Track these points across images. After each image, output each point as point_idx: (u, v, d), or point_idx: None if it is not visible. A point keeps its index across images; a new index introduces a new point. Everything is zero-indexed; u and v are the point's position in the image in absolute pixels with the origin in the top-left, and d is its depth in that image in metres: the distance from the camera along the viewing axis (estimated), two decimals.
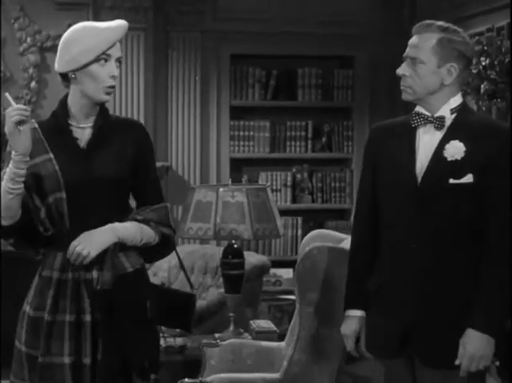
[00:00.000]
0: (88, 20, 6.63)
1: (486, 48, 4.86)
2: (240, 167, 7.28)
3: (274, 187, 7.03)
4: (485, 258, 2.94)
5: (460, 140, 3.04)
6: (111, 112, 3.40)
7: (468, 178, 3.04)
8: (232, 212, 4.61)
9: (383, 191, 3.25)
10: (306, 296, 3.66)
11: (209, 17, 7.13)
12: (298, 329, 3.75)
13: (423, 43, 3.11)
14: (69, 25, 6.79)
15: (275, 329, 4.61)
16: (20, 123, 2.97)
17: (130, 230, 3.25)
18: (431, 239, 3.09)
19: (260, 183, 6.64)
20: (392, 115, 6.55)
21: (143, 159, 3.34)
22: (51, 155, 3.16)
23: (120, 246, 3.24)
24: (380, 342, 3.30)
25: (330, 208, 7.06)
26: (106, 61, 3.20)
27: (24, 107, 3.03)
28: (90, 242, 3.12)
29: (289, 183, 7.06)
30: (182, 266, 3.55)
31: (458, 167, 3.07)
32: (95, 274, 3.21)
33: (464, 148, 3.03)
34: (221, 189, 4.61)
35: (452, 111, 3.09)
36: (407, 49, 3.18)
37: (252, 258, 5.52)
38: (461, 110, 3.13)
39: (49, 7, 6.86)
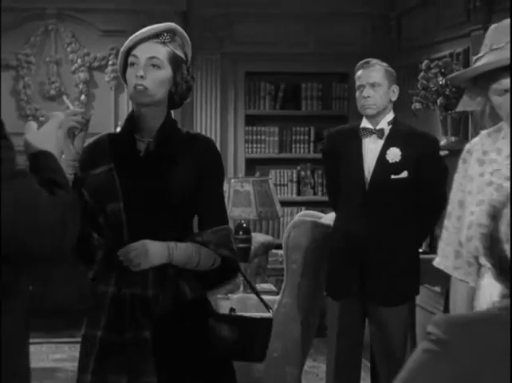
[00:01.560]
0: None
1: (443, 70, 5.82)
2: (253, 166, 7.82)
3: (282, 182, 7.59)
4: (421, 217, 4.04)
5: (397, 147, 4.03)
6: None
7: (404, 174, 4.06)
8: (241, 198, 5.57)
9: (341, 182, 4.26)
10: (291, 256, 4.64)
11: (227, 41, 7.71)
12: (285, 280, 4.73)
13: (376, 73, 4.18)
14: (112, 49, 7.68)
15: (275, 289, 5.58)
16: (75, 128, 2.79)
17: (185, 251, 2.93)
18: (376, 220, 4.09)
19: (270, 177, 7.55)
20: None
21: (206, 177, 3.01)
22: (112, 166, 2.96)
23: (180, 272, 2.94)
24: (339, 286, 4.27)
25: None
26: (135, 63, 2.97)
27: (81, 112, 2.84)
28: (146, 254, 2.84)
29: (294, 179, 7.61)
30: (252, 287, 3.34)
31: (397, 167, 4.06)
32: (151, 293, 2.90)
33: (400, 153, 4.04)
34: (232, 180, 5.65)
35: (388, 124, 4.17)
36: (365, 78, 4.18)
37: (260, 238, 6.41)
38: (394, 122, 4.23)
39: (95, 34, 7.56)
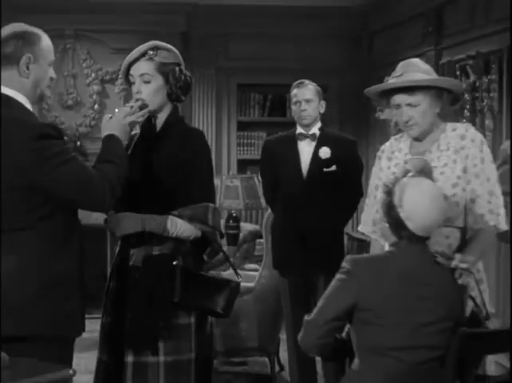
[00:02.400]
0: None
1: None
2: (245, 166, 8.39)
3: None
4: (346, 201, 4.82)
5: (327, 146, 4.86)
6: None
7: (333, 167, 4.84)
8: (231, 192, 6.41)
9: (280, 178, 4.92)
10: (268, 238, 5.37)
11: (222, 57, 8.32)
12: (265, 256, 5.53)
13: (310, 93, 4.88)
14: (121, 64, 8.16)
15: (259, 268, 6.38)
16: (134, 123, 3.27)
17: (159, 222, 3.31)
18: (313, 206, 4.77)
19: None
20: (356, 126, 7.98)
21: (193, 162, 3.39)
22: (137, 135, 3.47)
23: (158, 238, 3.34)
24: (285, 264, 4.89)
25: None
26: (133, 81, 3.43)
27: (142, 114, 3.31)
28: (118, 225, 3.36)
29: None
30: (227, 258, 3.64)
31: (327, 162, 4.85)
32: (131, 251, 3.41)
33: (330, 151, 4.85)
34: (224, 177, 6.56)
35: (319, 129, 4.95)
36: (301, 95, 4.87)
37: (248, 227, 7.23)
38: (322, 128, 4.97)
39: (107, 51, 8.12)
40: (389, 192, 3.10)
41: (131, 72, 3.41)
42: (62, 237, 3.05)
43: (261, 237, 7.08)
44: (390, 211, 3.07)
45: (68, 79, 8.07)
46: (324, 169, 4.88)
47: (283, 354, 5.81)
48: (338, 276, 3.03)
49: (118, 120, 3.22)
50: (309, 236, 4.85)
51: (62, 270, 3.04)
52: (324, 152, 4.90)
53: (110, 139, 3.21)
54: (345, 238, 5.73)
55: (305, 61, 8.30)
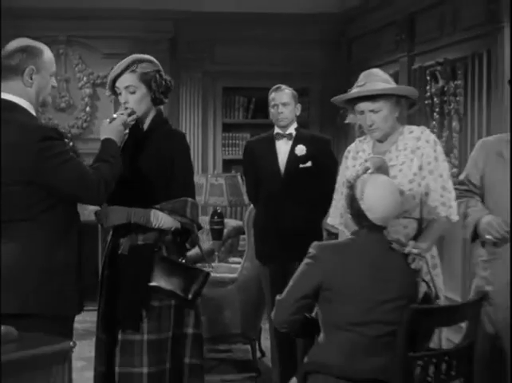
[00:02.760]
0: None
1: None
2: (230, 166, 8.59)
3: None
4: (321, 195, 4.94)
5: (303, 145, 5.18)
6: None
7: (309, 163, 5.16)
8: (216, 189, 6.70)
9: (261, 176, 5.23)
10: (250, 232, 5.72)
11: (208, 62, 8.54)
12: (247, 249, 5.88)
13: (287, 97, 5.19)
14: (112, 69, 8.14)
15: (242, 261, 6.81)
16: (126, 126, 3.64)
17: (142, 215, 3.67)
18: (291, 200, 5.07)
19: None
20: (336, 127, 8.29)
21: (175, 162, 3.74)
22: (126, 136, 3.74)
23: (142, 229, 3.69)
24: (266, 254, 5.22)
25: None
26: (120, 93, 3.80)
27: (133, 112, 3.68)
28: (106, 217, 3.73)
29: None
30: (200, 248, 3.93)
31: (303, 159, 5.18)
32: (121, 241, 3.77)
33: (305, 148, 5.17)
34: (209, 175, 6.86)
35: (295, 130, 5.25)
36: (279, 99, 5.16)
37: (233, 223, 7.47)
38: (298, 129, 5.27)
39: (98, 57, 8.34)
40: (351, 187, 3.50)
41: (117, 85, 3.76)
42: (62, 228, 3.45)
43: (244, 233, 7.36)
44: (352, 203, 3.47)
45: (61, 83, 8.24)
46: (300, 165, 5.21)
47: (265, 342, 6.18)
48: (306, 260, 3.44)
49: (116, 126, 3.62)
50: (288, 229, 5.15)
51: (62, 257, 3.44)
52: (300, 150, 5.23)
53: (107, 141, 3.62)
54: (325, 233, 6.03)
55: (287, 66, 8.53)
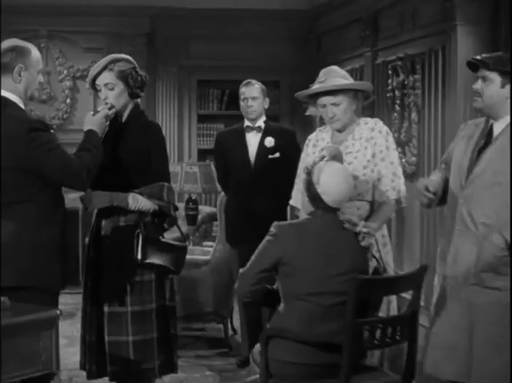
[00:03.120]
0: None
1: None
2: (205, 155, 8.78)
3: None
4: (287, 182, 5.32)
5: (271, 136, 5.53)
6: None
7: (277, 154, 5.50)
8: (190, 177, 7.02)
9: (231, 166, 5.55)
10: (222, 217, 6.00)
11: (183, 56, 8.79)
12: (218, 232, 6.22)
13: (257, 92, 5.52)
14: (92, 62, 7.69)
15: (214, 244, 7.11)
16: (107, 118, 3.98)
17: (123, 199, 3.98)
18: (260, 188, 5.40)
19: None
20: (305, 119, 8.53)
21: (152, 150, 4.04)
22: (107, 128, 4.08)
23: (124, 211, 4.01)
24: (235, 237, 5.58)
25: None
26: (100, 89, 4.10)
27: (113, 107, 3.99)
28: (89, 201, 4.05)
29: None
30: (178, 228, 4.23)
31: (272, 150, 5.53)
32: (103, 222, 4.11)
33: (274, 140, 5.51)
34: (184, 164, 7.19)
35: (264, 122, 5.59)
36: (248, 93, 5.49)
37: (207, 209, 7.83)
38: (267, 121, 5.60)
39: (78, 51, 8.64)
40: (309, 173, 3.87)
41: (97, 82, 4.09)
42: (51, 209, 3.83)
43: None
44: (310, 187, 3.84)
45: (43, 76, 8.39)
46: (269, 156, 5.55)
47: (236, 321, 6.47)
48: (266, 238, 3.81)
49: (98, 118, 3.96)
50: (257, 214, 5.49)
51: (50, 235, 3.82)
52: (269, 141, 5.56)
53: (90, 132, 3.98)
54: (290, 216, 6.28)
55: (259, 60, 8.81)
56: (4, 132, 3.75)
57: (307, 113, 4.52)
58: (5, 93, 3.85)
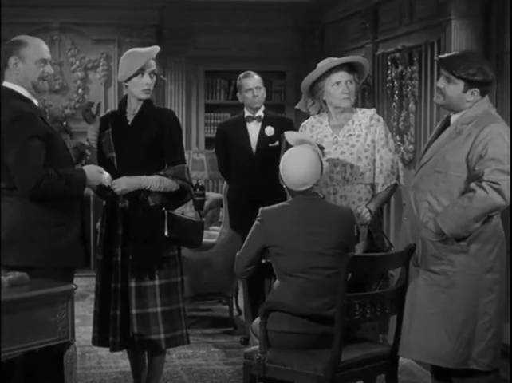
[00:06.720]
0: (114, 50, 8.73)
1: None
2: (211, 143, 7.97)
3: None
4: None
5: (271, 126, 5.74)
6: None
7: (277, 143, 5.67)
8: (197, 164, 7.33)
9: (233, 155, 5.77)
10: (226, 203, 6.27)
11: (191, 47, 9.00)
12: (224, 217, 6.48)
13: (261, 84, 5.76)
14: (102, 53, 8.25)
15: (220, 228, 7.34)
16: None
17: (153, 180, 4.19)
18: (261, 175, 5.56)
19: None
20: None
21: (168, 134, 4.23)
22: (110, 130, 4.32)
23: (149, 192, 4.20)
24: (239, 222, 5.74)
25: None
26: (142, 74, 4.21)
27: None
28: (120, 184, 4.20)
29: None
30: (194, 201, 4.95)
31: (272, 138, 5.74)
32: (127, 204, 4.26)
33: (273, 129, 5.72)
34: (191, 151, 7.51)
35: (263, 112, 5.81)
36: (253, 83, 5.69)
37: (213, 195, 7.88)
38: (266, 111, 5.81)
39: (89, 42, 8.90)
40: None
41: (144, 67, 4.22)
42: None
43: None
44: (280, 177, 4.07)
45: (55, 66, 8.52)
46: (270, 145, 5.76)
47: (242, 302, 6.69)
48: (255, 223, 4.06)
49: (98, 176, 4.10)
50: (258, 199, 5.39)
51: (66, 218, 4.04)
52: (269, 131, 5.78)
53: (82, 173, 4.06)
54: None
55: (264, 51, 9.01)
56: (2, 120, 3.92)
57: (296, 106, 4.76)
58: (8, 84, 4.05)
